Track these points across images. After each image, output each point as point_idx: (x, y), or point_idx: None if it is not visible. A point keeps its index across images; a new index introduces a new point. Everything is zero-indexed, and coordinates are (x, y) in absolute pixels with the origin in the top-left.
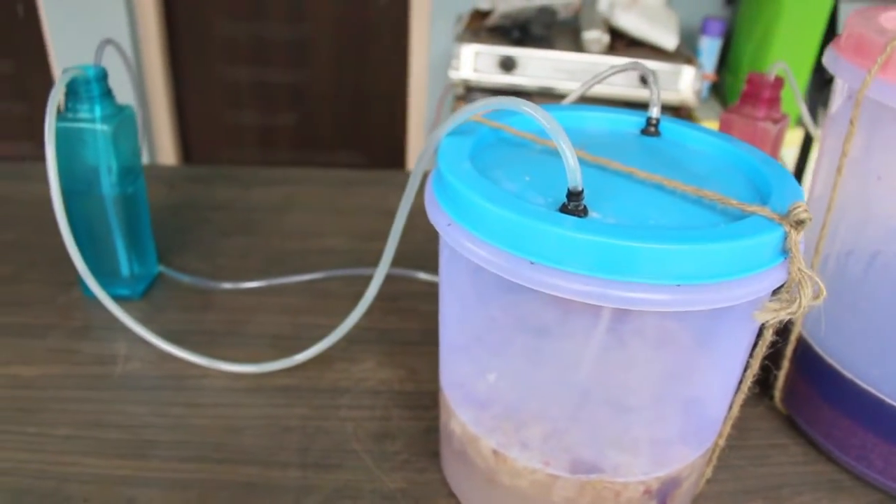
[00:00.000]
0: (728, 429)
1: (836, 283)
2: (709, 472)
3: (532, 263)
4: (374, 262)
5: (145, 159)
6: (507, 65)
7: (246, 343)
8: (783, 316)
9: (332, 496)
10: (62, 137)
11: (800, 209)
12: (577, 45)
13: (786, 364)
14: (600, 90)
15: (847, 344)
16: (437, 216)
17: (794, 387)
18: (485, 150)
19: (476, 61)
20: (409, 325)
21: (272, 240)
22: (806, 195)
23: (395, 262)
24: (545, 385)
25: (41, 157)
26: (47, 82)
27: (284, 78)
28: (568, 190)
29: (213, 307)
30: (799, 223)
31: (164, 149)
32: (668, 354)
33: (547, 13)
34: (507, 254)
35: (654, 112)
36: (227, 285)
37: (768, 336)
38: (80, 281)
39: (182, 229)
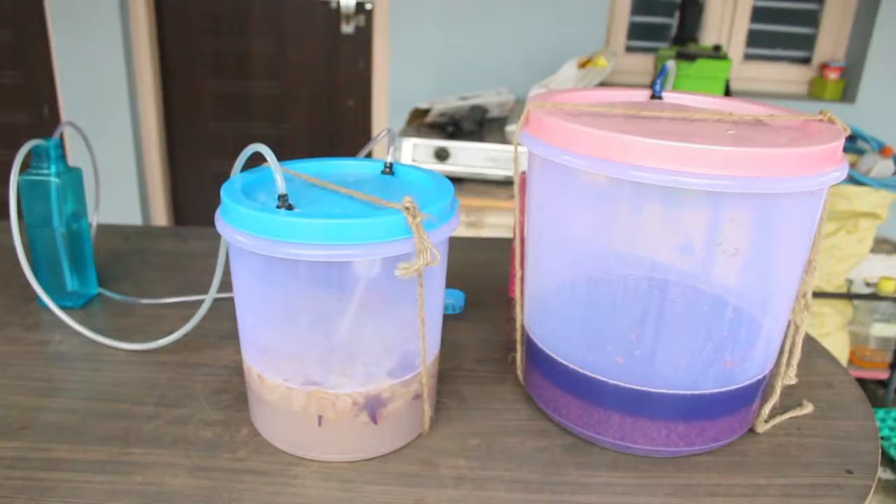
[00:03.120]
0: (428, 367)
1: (539, 290)
2: (428, 410)
3: (256, 236)
4: None
5: (139, 213)
6: (441, 155)
7: (148, 336)
8: (412, 272)
9: (173, 420)
10: (28, 186)
11: (406, 201)
12: (503, 138)
13: (519, 349)
14: None
15: (547, 331)
16: (218, 223)
17: (525, 365)
18: (259, 184)
19: (415, 152)
20: None
21: (191, 274)
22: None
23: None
24: (283, 329)
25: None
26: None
27: None
28: (278, 195)
29: (133, 316)
30: (407, 209)
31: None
32: (364, 306)
33: (478, 111)
34: (246, 234)
35: (389, 159)
36: (147, 301)
37: (422, 292)
38: (37, 296)
39: (125, 266)
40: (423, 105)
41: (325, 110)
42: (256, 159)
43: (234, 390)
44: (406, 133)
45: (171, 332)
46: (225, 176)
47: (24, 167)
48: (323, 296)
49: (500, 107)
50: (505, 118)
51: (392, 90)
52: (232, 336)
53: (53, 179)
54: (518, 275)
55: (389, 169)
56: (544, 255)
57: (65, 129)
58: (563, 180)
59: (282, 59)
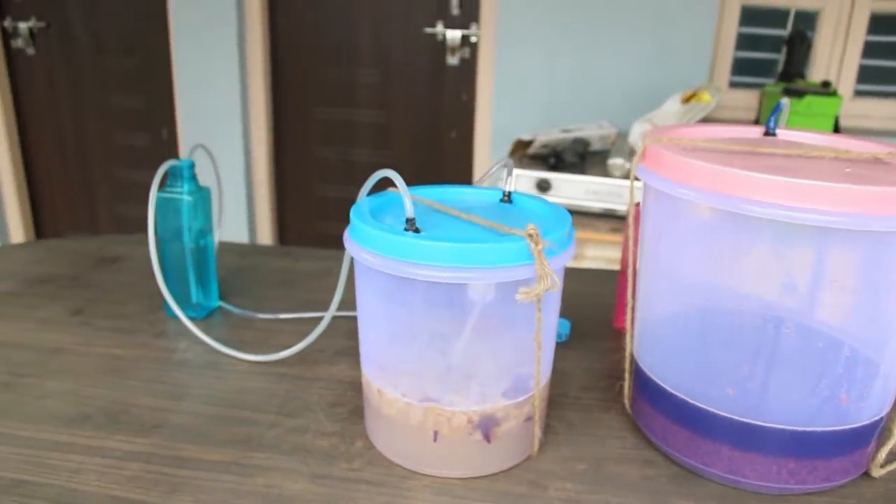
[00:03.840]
0: (540, 391)
1: (651, 321)
2: (538, 433)
3: (383, 256)
4: None
5: (246, 231)
6: (543, 186)
7: (266, 348)
8: (532, 297)
9: (292, 429)
10: (163, 203)
11: (530, 228)
12: (605, 171)
13: (627, 377)
14: (621, 208)
15: (657, 361)
16: (346, 241)
17: (633, 394)
18: (386, 207)
19: (516, 183)
20: None
21: (305, 293)
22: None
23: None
24: (404, 346)
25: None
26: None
27: None
28: (406, 218)
29: (251, 329)
30: (530, 236)
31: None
32: (482, 328)
33: (580, 144)
34: (373, 253)
35: (507, 188)
36: (264, 315)
37: (540, 317)
38: (164, 306)
39: (242, 282)
40: (526, 137)
41: (427, 140)
42: (377, 185)
43: (348, 404)
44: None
45: (287, 346)
46: (328, 200)
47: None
48: (443, 316)
49: (602, 140)
50: (607, 151)
51: (495, 122)
52: (345, 353)
53: (186, 198)
54: (629, 304)
55: (508, 198)
56: (656, 286)
57: (186, 151)
58: (678, 213)
59: (387, 88)
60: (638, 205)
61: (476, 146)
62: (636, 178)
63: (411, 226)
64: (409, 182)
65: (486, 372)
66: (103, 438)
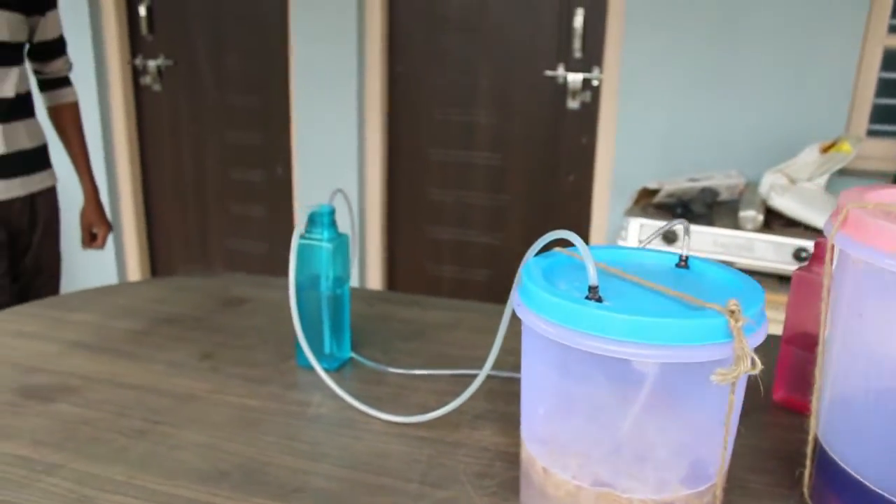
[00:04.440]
0: (722, 479)
1: (844, 401)
2: None
3: (562, 326)
4: (512, 369)
5: (357, 273)
6: (669, 237)
7: (402, 407)
8: (730, 379)
9: (439, 502)
10: (301, 250)
11: (731, 304)
12: (735, 223)
13: (808, 464)
14: (753, 263)
15: (850, 447)
16: (516, 304)
17: (815, 482)
18: (557, 268)
19: (641, 233)
20: (517, 409)
21: (437, 346)
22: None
23: (518, 369)
24: (576, 424)
25: (275, 269)
26: (289, 224)
27: (481, 239)
28: (589, 286)
29: (384, 384)
30: (731, 312)
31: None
32: (660, 407)
33: (708, 193)
34: (550, 322)
35: (684, 252)
36: (397, 370)
37: (732, 399)
38: (295, 353)
39: (372, 331)
40: (652, 185)
41: (544, 184)
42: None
43: (497, 476)
44: (632, 213)
45: (424, 405)
46: (440, 242)
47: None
48: (620, 392)
49: (729, 190)
50: (734, 202)
51: (616, 167)
52: (487, 417)
53: (326, 245)
54: (816, 383)
55: (685, 262)
56: (853, 364)
57: (300, 188)
58: (889, 287)
59: (505, 131)
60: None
61: (595, 191)
62: (832, 246)
63: (594, 294)
64: (522, 226)
65: (662, 455)
66: (242, 500)
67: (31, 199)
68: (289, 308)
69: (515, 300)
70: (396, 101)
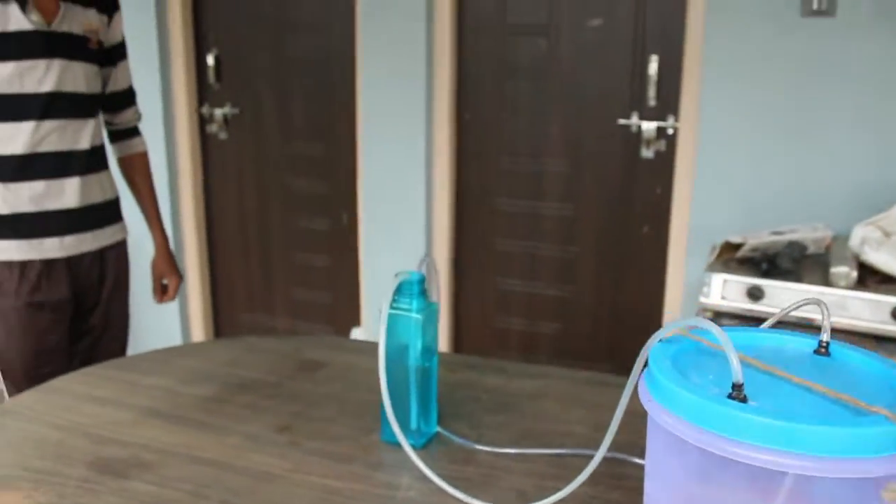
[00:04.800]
0: None
1: None
2: None
3: (701, 428)
4: (615, 448)
5: None
6: (755, 294)
7: (496, 491)
8: None
9: None
10: (389, 320)
11: None
12: (825, 280)
13: None
14: (848, 323)
15: None
16: (644, 395)
17: None
18: (684, 355)
19: (724, 289)
20: (632, 499)
21: (525, 420)
22: None
23: (622, 448)
24: None
25: (339, 320)
26: (353, 274)
27: (550, 291)
28: (732, 383)
29: (474, 463)
30: None
31: (441, 340)
32: None
33: (796, 247)
34: (688, 423)
35: (825, 337)
36: (487, 448)
37: None
38: (381, 427)
39: (457, 402)
40: (735, 239)
41: (616, 235)
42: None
43: None
44: (714, 268)
45: (519, 490)
46: (508, 293)
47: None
48: (756, 501)
49: (816, 243)
50: (821, 256)
51: (693, 219)
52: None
53: (415, 315)
54: None
55: (825, 349)
56: None
57: (365, 236)
58: None
59: (576, 180)
60: None
61: (671, 244)
62: None
63: (738, 394)
64: (594, 279)
65: None
66: None
67: (101, 254)
68: (367, 374)
69: (643, 392)
70: (464, 149)
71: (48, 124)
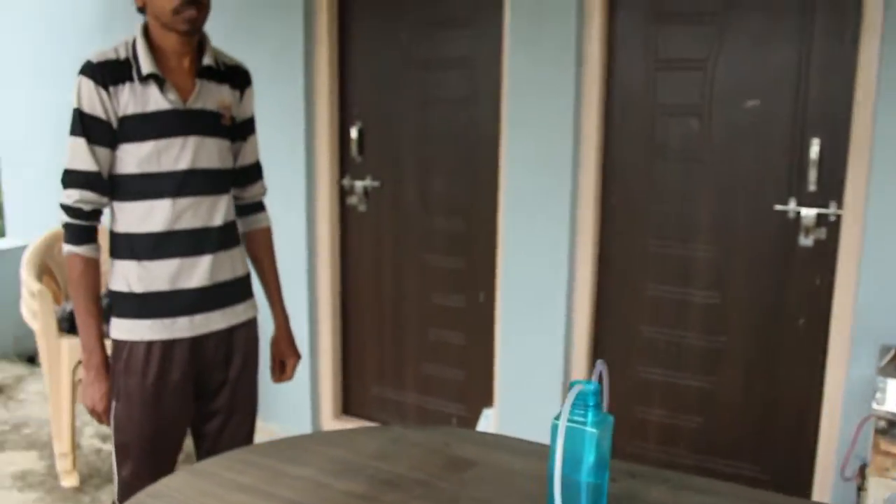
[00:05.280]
0: None
1: None
2: None
3: None
4: None
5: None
6: None
7: None
8: None
9: None
10: (557, 432)
11: None
12: None
13: None
14: None
15: None
16: None
17: None
18: None
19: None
20: None
21: None
22: None
23: None
24: None
25: (472, 398)
26: (488, 352)
27: (694, 382)
28: None
29: None
30: None
31: None
32: None
33: None
34: None
35: None
36: None
37: None
38: None
39: None
40: None
41: (769, 327)
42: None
43: None
44: (888, 372)
45: None
46: (651, 383)
47: None
48: None
49: None
50: None
51: (858, 314)
52: None
53: (590, 429)
54: None
55: None
56: None
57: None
58: None
59: (726, 267)
60: None
61: (832, 341)
62: None
63: None
64: (742, 373)
65: None
66: None
67: (229, 332)
68: (523, 479)
69: None
70: (609, 232)
71: (184, 201)
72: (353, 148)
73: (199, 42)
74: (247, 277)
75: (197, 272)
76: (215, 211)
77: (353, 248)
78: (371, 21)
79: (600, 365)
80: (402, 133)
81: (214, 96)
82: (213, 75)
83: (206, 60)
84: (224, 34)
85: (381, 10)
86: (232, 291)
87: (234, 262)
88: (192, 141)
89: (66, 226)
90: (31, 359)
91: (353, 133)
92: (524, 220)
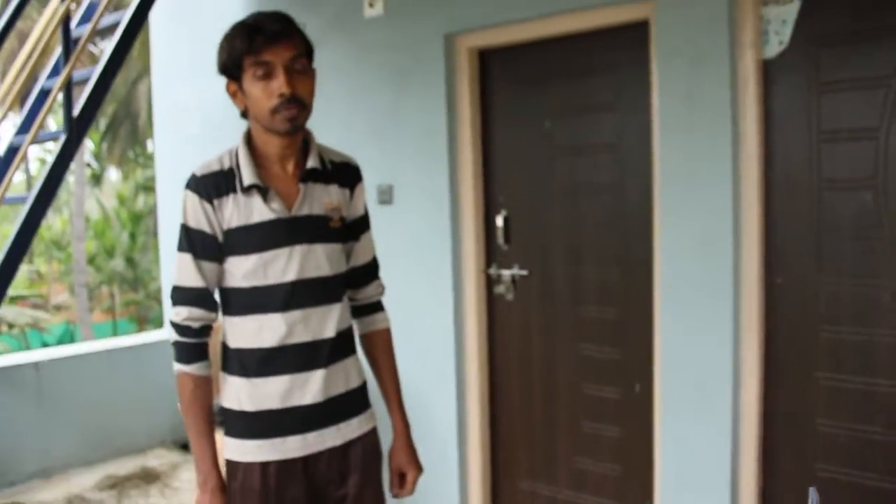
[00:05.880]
0: None
1: None
2: None
3: None
4: None
5: None
6: None
7: None
8: None
9: None
10: None
11: None
12: None
13: None
14: None
15: None
16: None
17: None
18: None
19: None
20: None
21: None
22: None
23: None
24: None
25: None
26: (646, 446)
27: (885, 484)
28: None
29: None
30: None
31: None
32: None
33: None
34: None
35: None
36: None
37: None
38: None
39: None
40: None
41: None
42: None
43: None
44: None
45: None
46: (832, 483)
47: None
48: None
49: None
50: None
51: None
52: None
53: None
54: None
55: None
56: None
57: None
58: None
59: None
60: None
61: None
62: None
63: None
64: None
65: None
66: None
67: (344, 448)
68: None
69: None
70: (776, 316)
71: (294, 314)
72: (500, 236)
73: (304, 142)
74: (362, 387)
75: (309, 388)
76: (327, 321)
77: (501, 337)
78: (514, 108)
79: (813, 494)
80: (549, 220)
81: (321, 199)
82: (320, 176)
83: (311, 162)
84: (371, 127)
85: (524, 97)
86: (347, 405)
87: (348, 374)
88: (298, 250)
89: (175, 344)
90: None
91: (499, 221)
92: (683, 306)
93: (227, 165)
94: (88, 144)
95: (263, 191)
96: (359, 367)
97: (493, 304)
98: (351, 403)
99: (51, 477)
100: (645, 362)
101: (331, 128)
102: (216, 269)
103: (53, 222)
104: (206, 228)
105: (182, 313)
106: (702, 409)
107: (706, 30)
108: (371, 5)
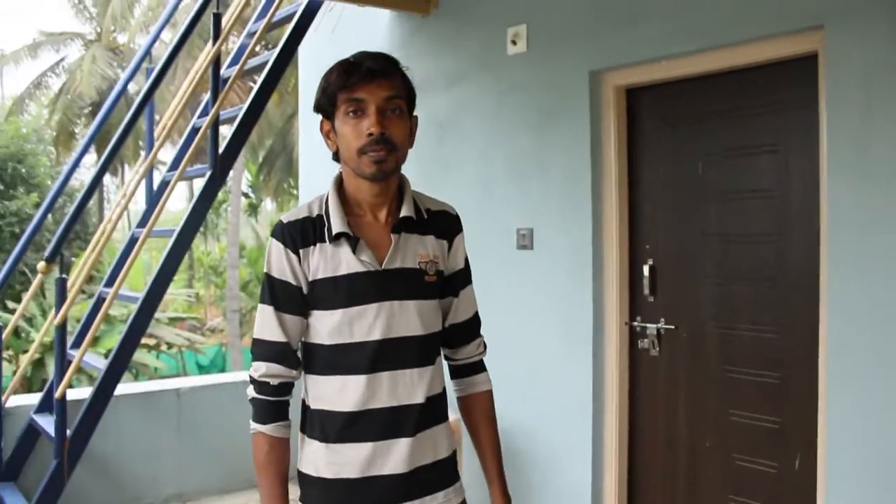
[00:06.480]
0: None
1: None
2: None
3: None
4: None
5: None
6: None
7: None
8: None
9: None
10: None
11: None
12: None
13: None
14: None
15: None
16: None
17: None
18: None
19: None
20: None
21: None
22: None
23: None
24: None
25: None
26: None
27: None
28: None
29: None
30: None
31: None
32: None
33: None
34: None
35: None
36: None
37: None
38: None
39: None
40: None
41: None
42: None
43: None
44: None
45: None
46: None
47: None
48: None
49: None
50: None
51: None
52: None
53: None
54: None
55: None
56: None
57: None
58: None
59: None
60: None
61: None
62: None
63: None
64: None
65: None
66: None
67: None
68: None
69: None
70: None
71: (379, 377)
72: (645, 287)
73: (399, 189)
74: (451, 458)
75: (392, 457)
76: (417, 386)
77: (643, 396)
78: (663, 149)
79: None
80: (700, 270)
81: (415, 250)
82: (414, 227)
83: (405, 211)
84: (511, 167)
85: (675, 138)
86: (433, 477)
87: (436, 443)
88: (387, 307)
89: (253, 401)
90: None
91: (645, 270)
92: (856, 372)
93: (315, 212)
94: (246, 175)
95: (353, 240)
96: (450, 435)
97: (635, 360)
98: (439, 476)
99: (186, 503)
100: (808, 432)
101: (469, 167)
102: (299, 324)
103: (213, 248)
104: (291, 279)
105: (260, 369)
106: (875, 491)
107: (885, 63)
108: (514, 42)
